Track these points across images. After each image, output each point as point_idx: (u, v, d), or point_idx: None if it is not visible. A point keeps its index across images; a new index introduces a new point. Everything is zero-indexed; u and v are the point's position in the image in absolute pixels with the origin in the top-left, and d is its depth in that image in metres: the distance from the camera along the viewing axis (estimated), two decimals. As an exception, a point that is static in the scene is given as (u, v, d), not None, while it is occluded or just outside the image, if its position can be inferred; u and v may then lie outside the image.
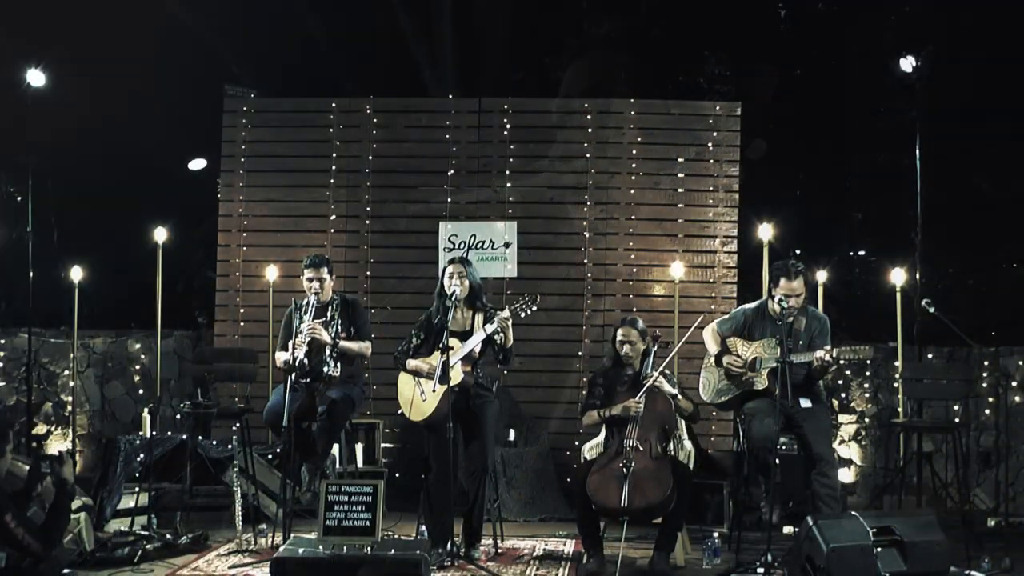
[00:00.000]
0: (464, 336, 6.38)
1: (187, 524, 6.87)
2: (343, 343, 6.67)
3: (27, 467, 4.92)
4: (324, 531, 5.54)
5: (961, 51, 11.91)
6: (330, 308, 6.76)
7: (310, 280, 6.73)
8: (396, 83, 12.09)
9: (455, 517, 6.34)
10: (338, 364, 6.66)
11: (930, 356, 8.49)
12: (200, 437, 7.67)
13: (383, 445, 8.40)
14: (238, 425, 7.26)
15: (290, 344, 6.58)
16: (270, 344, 8.09)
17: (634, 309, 8.65)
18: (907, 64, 8.44)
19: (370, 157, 8.95)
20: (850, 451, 8.80)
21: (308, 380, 6.57)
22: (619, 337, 6.41)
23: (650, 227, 8.80)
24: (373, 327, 8.03)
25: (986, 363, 8.47)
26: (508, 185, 8.87)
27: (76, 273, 8.49)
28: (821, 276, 8.53)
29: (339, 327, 6.70)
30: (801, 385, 6.33)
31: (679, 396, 6.37)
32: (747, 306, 6.70)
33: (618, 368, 6.46)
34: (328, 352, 6.63)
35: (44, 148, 9.01)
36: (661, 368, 6.37)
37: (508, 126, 8.91)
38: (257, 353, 8.04)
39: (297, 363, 6.52)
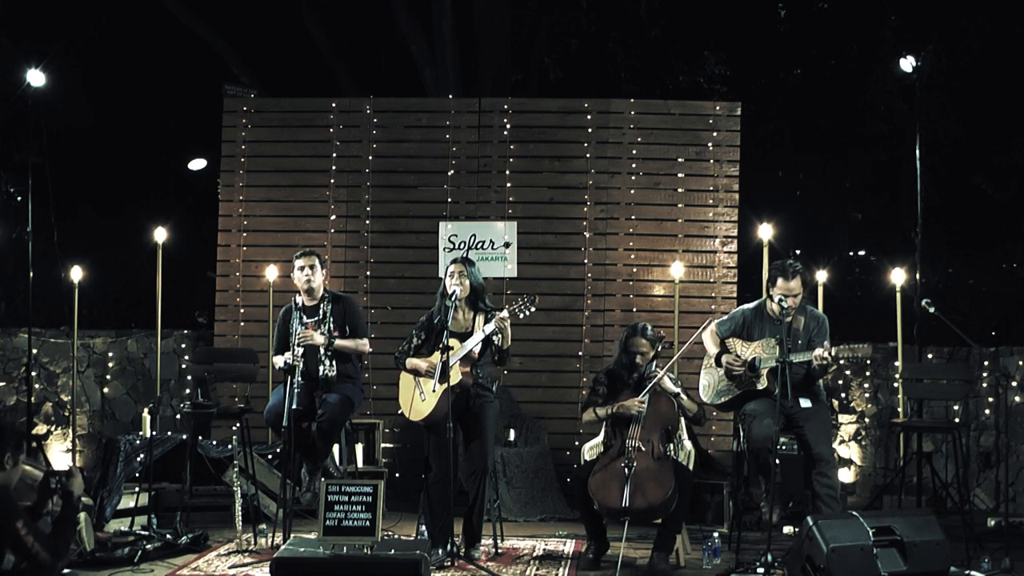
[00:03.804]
0: (464, 337, 6.37)
1: (187, 524, 6.86)
2: (339, 342, 6.65)
3: (39, 472, 4.94)
4: (324, 531, 5.54)
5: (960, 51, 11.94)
6: (321, 306, 6.74)
7: (301, 268, 6.71)
8: (396, 83, 12.12)
9: (455, 517, 6.34)
10: (334, 364, 6.64)
11: (930, 356, 8.49)
12: (200, 437, 7.67)
13: (383, 445, 8.40)
14: (238, 425, 7.26)
15: (289, 354, 6.56)
16: (270, 344, 8.07)
17: (634, 309, 8.65)
18: (907, 64, 8.43)
19: (370, 157, 8.94)
20: (850, 451, 8.80)
21: (304, 383, 6.54)
22: (632, 349, 6.42)
23: (650, 227, 8.80)
24: (373, 327, 8.06)
25: (986, 363, 8.47)
26: (508, 185, 8.87)
27: (76, 273, 8.49)
28: (821, 276, 8.53)
29: (332, 324, 6.68)
30: (801, 385, 6.33)
31: (682, 395, 6.39)
32: (746, 306, 6.69)
33: (621, 372, 6.47)
34: (323, 352, 6.62)
35: (44, 148, 9.02)
36: (665, 370, 6.38)
37: (508, 126, 8.91)
38: (257, 353, 8.04)
39: (295, 368, 6.50)
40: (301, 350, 6.53)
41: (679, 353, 6.86)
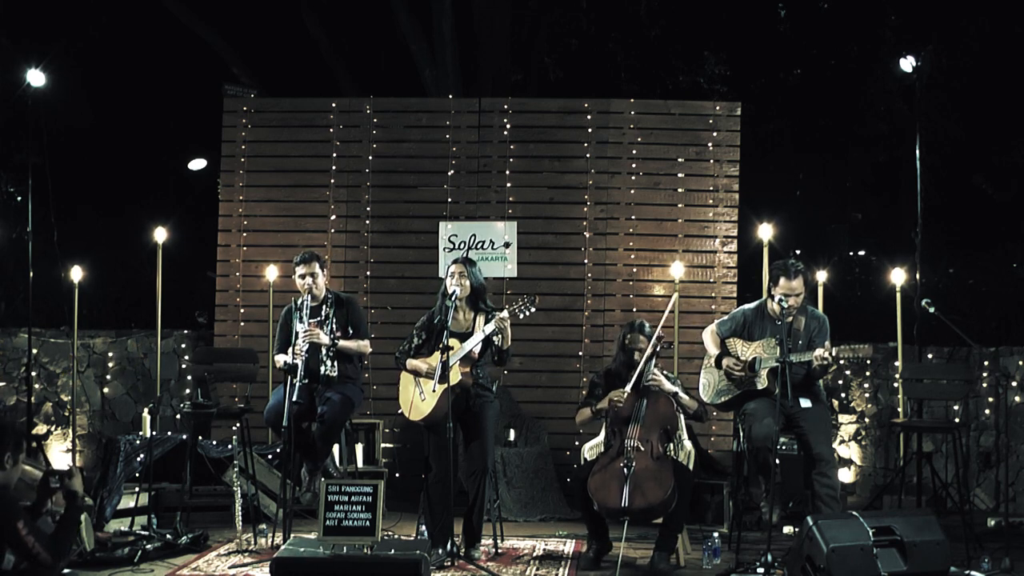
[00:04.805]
0: (465, 337, 6.37)
1: (187, 524, 6.86)
2: (342, 343, 6.65)
3: (39, 472, 4.93)
4: (324, 531, 5.53)
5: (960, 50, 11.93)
6: (324, 307, 6.74)
7: (303, 276, 6.70)
8: (396, 83, 12.12)
9: (455, 517, 6.34)
10: (335, 364, 6.64)
11: (930, 356, 8.49)
12: (200, 437, 7.67)
13: (383, 445, 8.40)
14: (238, 425, 7.26)
15: (290, 350, 6.56)
16: (270, 344, 8.08)
17: (634, 309, 8.65)
18: (907, 64, 8.43)
19: (370, 157, 8.94)
20: (850, 451, 8.80)
21: (306, 381, 6.55)
22: (631, 346, 6.42)
23: (650, 227, 8.80)
24: (373, 327, 8.06)
25: (986, 363, 8.47)
26: (508, 185, 8.87)
27: (76, 273, 8.49)
28: (821, 276, 8.53)
29: (334, 325, 6.68)
30: (801, 385, 6.33)
31: (680, 393, 6.39)
32: (746, 306, 6.69)
33: (621, 369, 6.47)
34: (325, 352, 6.61)
35: (44, 148, 9.02)
36: (662, 369, 6.38)
37: (508, 126, 8.91)
38: (257, 353, 8.04)
39: (295, 365, 6.49)
40: (305, 345, 6.53)
41: (675, 355, 6.86)
